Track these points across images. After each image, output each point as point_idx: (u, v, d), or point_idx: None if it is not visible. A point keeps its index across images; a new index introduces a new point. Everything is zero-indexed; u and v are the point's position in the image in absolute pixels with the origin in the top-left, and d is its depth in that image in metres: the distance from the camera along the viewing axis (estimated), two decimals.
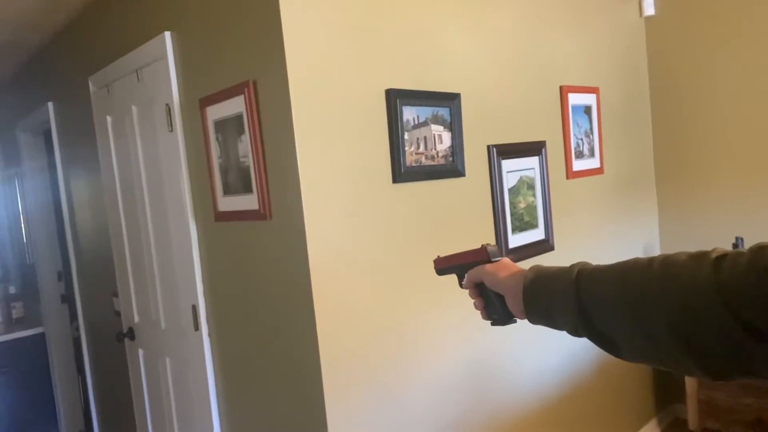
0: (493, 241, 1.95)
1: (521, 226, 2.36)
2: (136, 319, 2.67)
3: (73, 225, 3.32)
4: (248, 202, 1.82)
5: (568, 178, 2.63)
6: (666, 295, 0.60)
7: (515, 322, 0.84)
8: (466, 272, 0.89)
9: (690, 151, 3.10)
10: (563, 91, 2.59)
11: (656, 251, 3.33)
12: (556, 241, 2.54)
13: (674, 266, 0.62)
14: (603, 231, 2.88)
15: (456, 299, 2.07)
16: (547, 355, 2.48)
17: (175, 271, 2.28)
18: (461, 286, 0.93)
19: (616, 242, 2.98)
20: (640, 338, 0.63)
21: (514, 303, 0.81)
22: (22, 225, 4.41)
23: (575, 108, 2.66)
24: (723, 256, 0.58)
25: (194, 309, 2.18)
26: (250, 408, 2.00)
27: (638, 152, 3.16)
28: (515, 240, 2.32)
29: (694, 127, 3.06)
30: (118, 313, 2.84)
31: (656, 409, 3.25)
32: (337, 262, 1.71)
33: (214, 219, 2.01)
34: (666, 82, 3.14)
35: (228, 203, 1.93)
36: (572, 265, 0.75)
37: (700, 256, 0.60)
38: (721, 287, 0.56)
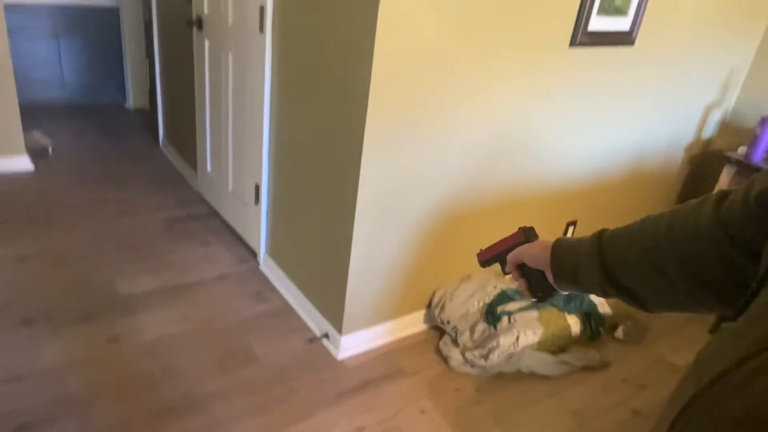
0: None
1: (608, 9, 2.20)
2: (206, 10, 2.72)
3: None
4: None
5: None
6: (677, 241, 0.67)
7: (559, 295, 0.88)
8: (506, 258, 0.93)
9: None
10: None
11: (739, 83, 3.12)
12: (639, 38, 2.39)
13: (681, 214, 0.69)
14: (693, 42, 2.67)
15: (516, 75, 2.06)
16: (578, 145, 2.54)
17: None
18: (504, 272, 0.96)
19: (701, 59, 2.78)
20: (662, 288, 0.70)
21: (550, 275, 0.84)
22: None
23: None
24: (725, 197, 0.65)
25: (261, 10, 2.21)
26: (297, 114, 2.17)
27: None
28: (597, 23, 2.19)
29: None
30: (189, 1, 2.89)
31: None
32: None
33: None
34: None
35: None
36: (594, 232, 0.80)
37: (703, 201, 0.67)
38: (722, 222, 0.63)
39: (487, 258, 1.00)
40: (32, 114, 4.12)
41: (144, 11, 4.25)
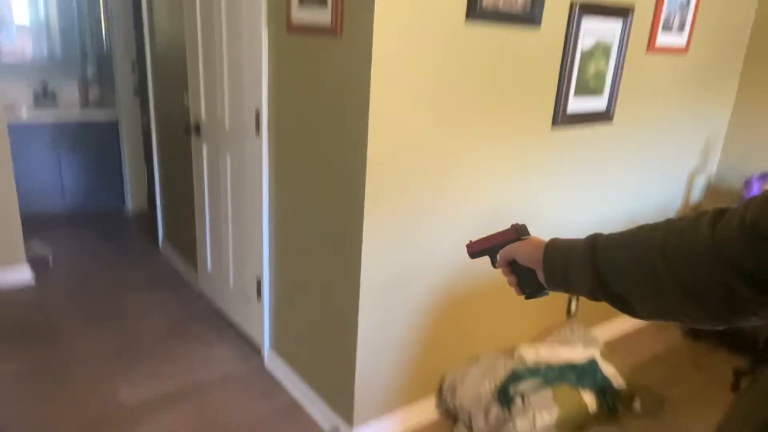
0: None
1: (585, 91, 2.33)
2: (203, 116, 2.86)
3: (150, 20, 3.42)
4: (321, 15, 1.86)
5: (648, 51, 2.52)
6: (672, 255, 0.69)
7: (547, 293, 0.90)
8: (497, 253, 0.95)
9: None
10: None
11: (718, 148, 3.25)
12: (617, 115, 2.52)
13: (676, 229, 0.70)
14: (668, 115, 2.81)
15: (505, 157, 2.15)
16: (570, 218, 2.60)
17: (243, 76, 2.40)
18: (494, 266, 0.98)
19: (678, 129, 2.92)
20: (653, 297, 0.71)
21: (541, 274, 0.87)
22: (101, 12, 4.55)
23: None
24: (721, 215, 0.66)
25: (257, 114, 2.33)
26: (296, 209, 2.23)
27: (731, 37, 2.96)
28: (575, 104, 2.32)
29: None
30: (186, 109, 3.04)
31: None
32: (400, 88, 1.78)
33: (286, 31, 2.07)
34: None
35: (302, 15, 1.97)
36: (588, 236, 0.82)
37: (699, 218, 0.69)
38: (717, 242, 0.64)
39: (477, 250, 1.01)
40: (33, 225, 4.18)
41: (143, 124, 4.45)
